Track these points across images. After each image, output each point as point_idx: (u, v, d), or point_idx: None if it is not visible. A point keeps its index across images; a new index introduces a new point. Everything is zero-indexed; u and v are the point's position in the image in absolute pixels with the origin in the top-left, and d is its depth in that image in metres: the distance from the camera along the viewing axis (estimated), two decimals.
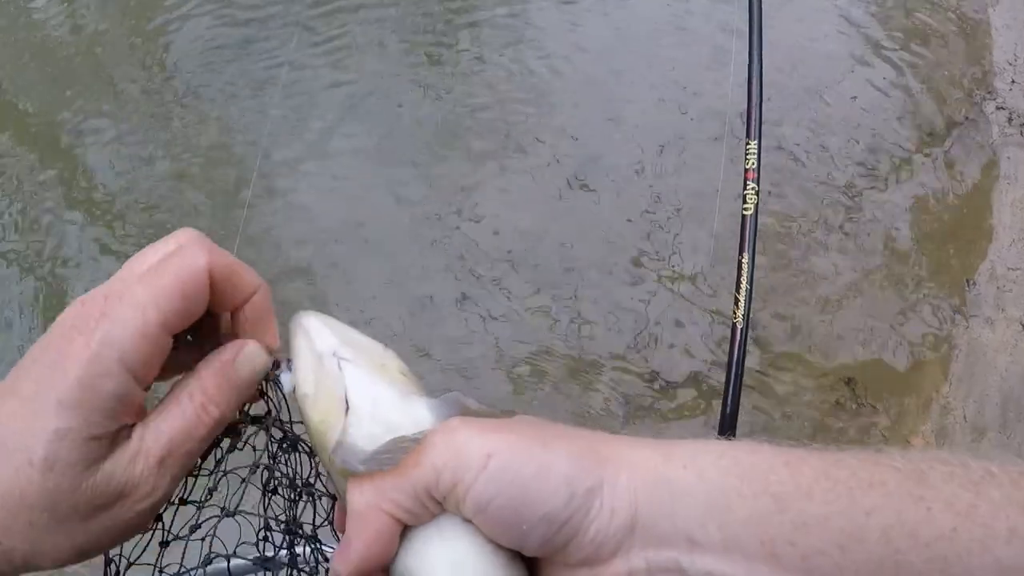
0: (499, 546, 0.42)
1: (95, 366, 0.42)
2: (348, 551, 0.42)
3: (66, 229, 2.58)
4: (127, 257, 0.47)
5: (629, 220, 2.54)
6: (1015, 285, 2.41)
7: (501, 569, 0.42)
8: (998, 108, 3.01)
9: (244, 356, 0.47)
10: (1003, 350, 2.33)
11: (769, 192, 2.53)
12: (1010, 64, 3.30)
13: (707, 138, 2.69)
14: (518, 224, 2.54)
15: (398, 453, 0.42)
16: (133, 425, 0.45)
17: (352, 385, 0.45)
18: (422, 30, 3.06)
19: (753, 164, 1.26)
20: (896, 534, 0.38)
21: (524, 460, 0.41)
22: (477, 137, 2.72)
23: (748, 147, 1.28)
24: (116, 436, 0.43)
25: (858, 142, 2.78)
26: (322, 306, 2.37)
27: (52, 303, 2.44)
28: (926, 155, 2.74)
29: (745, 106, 1.26)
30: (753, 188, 1.24)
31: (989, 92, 3.09)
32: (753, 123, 1.30)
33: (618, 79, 2.88)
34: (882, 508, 0.38)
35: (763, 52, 1.30)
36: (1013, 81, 3.20)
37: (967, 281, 2.39)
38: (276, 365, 0.49)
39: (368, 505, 0.42)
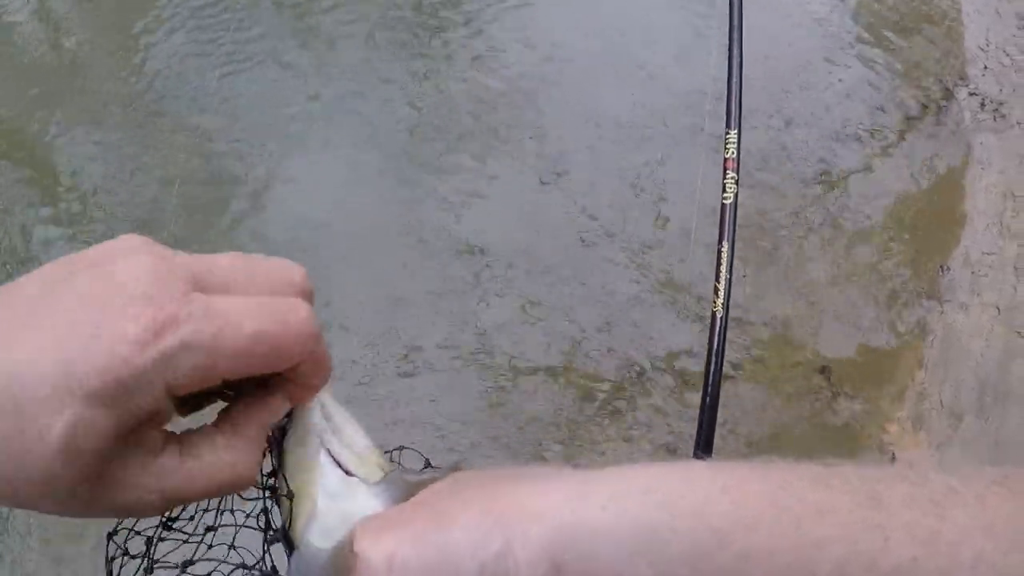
0: None
1: (145, 375, 0.37)
2: None
3: (39, 232, 2.52)
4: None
5: (609, 207, 2.53)
6: (990, 270, 2.42)
7: None
8: (970, 94, 3.02)
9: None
10: (978, 335, 2.34)
11: (737, 183, 2.51)
12: (982, 50, 3.31)
13: (686, 127, 2.68)
14: (502, 219, 2.52)
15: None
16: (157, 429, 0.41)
17: (321, 477, 0.46)
18: (403, 29, 3.03)
19: (733, 153, 1.25)
20: (851, 568, 0.34)
21: (424, 548, 0.39)
22: (455, 135, 2.69)
23: (728, 136, 1.26)
24: (139, 437, 0.39)
25: (829, 131, 2.77)
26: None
27: None
28: (898, 143, 2.74)
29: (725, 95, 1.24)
30: (733, 177, 1.23)
31: (961, 78, 3.10)
32: (732, 112, 1.29)
33: (598, 71, 2.85)
34: (834, 539, 0.35)
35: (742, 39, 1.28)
36: (985, 67, 3.21)
37: (941, 267, 2.39)
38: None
39: None
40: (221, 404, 0.47)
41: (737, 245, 1.20)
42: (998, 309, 2.37)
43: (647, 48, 2.93)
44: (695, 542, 0.36)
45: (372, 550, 0.40)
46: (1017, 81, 3.17)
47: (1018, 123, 2.95)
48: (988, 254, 2.44)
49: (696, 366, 2.22)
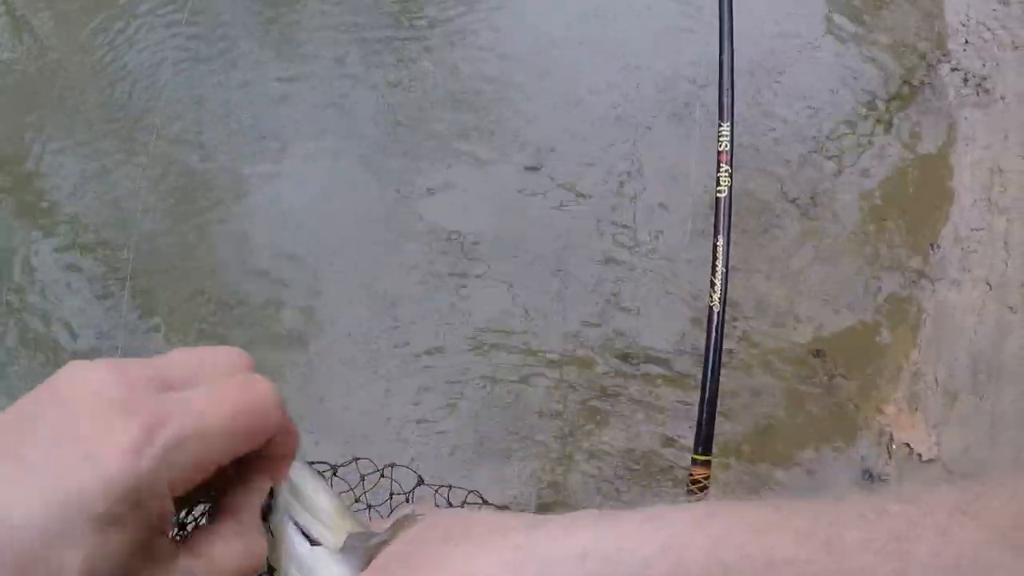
0: None
1: (149, 479, 0.36)
2: None
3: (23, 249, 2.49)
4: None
5: (599, 196, 2.51)
6: (979, 245, 2.42)
7: None
8: (952, 70, 3.01)
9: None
10: (971, 311, 2.34)
11: (731, 176, 2.50)
12: (963, 25, 3.30)
13: (672, 116, 2.66)
14: (487, 209, 2.50)
15: None
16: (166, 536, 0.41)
17: (291, 549, 0.50)
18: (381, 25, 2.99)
19: (726, 146, 1.24)
20: None
21: None
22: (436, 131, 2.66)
23: (720, 129, 1.26)
24: (151, 551, 0.39)
25: (812, 112, 2.76)
26: (292, 311, 2.32)
27: None
28: (882, 122, 2.73)
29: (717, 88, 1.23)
30: (726, 171, 1.22)
31: (944, 54, 3.09)
32: (725, 105, 1.28)
33: (582, 62, 2.83)
34: None
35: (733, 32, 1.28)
36: (966, 42, 3.20)
37: (931, 245, 2.39)
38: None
39: None
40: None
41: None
42: (989, 285, 2.37)
43: (635, 35, 2.91)
44: None
45: None
46: (999, 56, 3.16)
47: (1002, 97, 2.94)
48: (977, 230, 2.44)
49: (693, 360, 2.22)
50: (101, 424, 0.36)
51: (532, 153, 2.56)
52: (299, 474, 0.51)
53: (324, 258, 2.43)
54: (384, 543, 0.48)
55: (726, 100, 1.22)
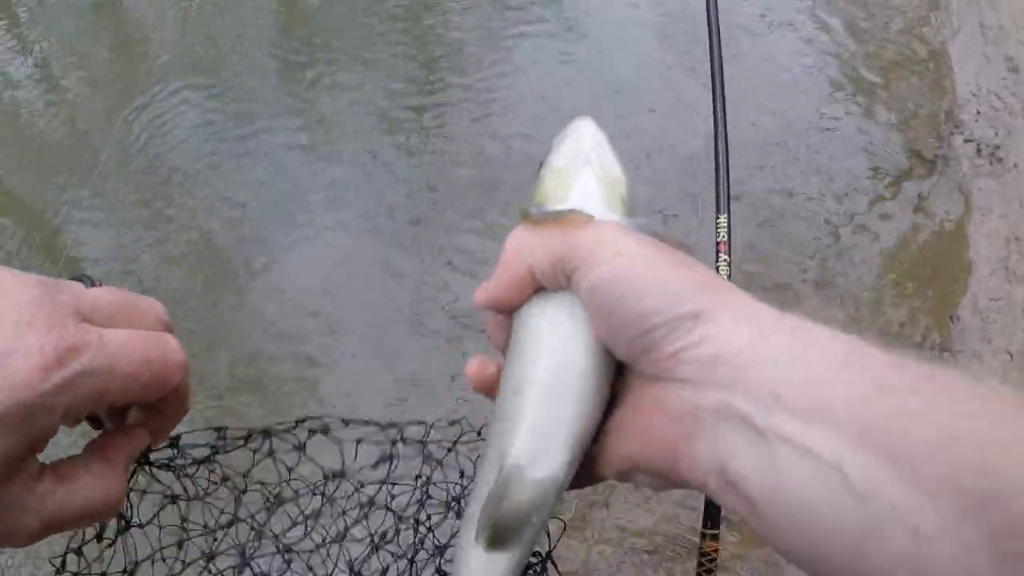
0: (595, 336, 0.46)
1: (48, 399, 0.38)
2: (488, 287, 0.48)
3: None
4: None
5: None
6: (999, 315, 2.44)
7: (588, 353, 0.46)
8: (966, 141, 3.07)
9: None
10: (993, 382, 2.36)
11: (730, 264, 2.56)
12: (973, 95, 3.37)
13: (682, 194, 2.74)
14: None
15: (564, 217, 0.47)
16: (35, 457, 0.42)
17: (580, 184, 0.51)
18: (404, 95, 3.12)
19: (724, 237, 1.29)
20: (990, 446, 0.33)
21: (645, 267, 0.43)
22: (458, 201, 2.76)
23: (719, 221, 1.30)
24: (24, 462, 0.40)
25: (829, 185, 2.83)
26: (313, 383, 2.38)
27: None
28: (898, 195, 2.79)
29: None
30: (725, 260, 1.27)
31: (956, 126, 3.15)
32: (721, 198, 1.33)
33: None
34: (980, 415, 0.35)
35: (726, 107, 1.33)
36: (978, 112, 3.27)
37: (951, 317, 2.42)
38: None
39: (515, 252, 0.47)
40: None
41: None
42: (1010, 355, 2.39)
43: (644, 111, 3.00)
44: (857, 389, 0.38)
45: (612, 239, 0.44)
46: (1011, 123, 3.22)
47: (1015, 166, 2.99)
48: (995, 300, 2.47)
49: None
50: (18, 336, 0.37)
51: None
52: (600, 139, 0.53)
53: (343, 328, 2.50)
54: (674, 242, 0.47)
55: (722, 192, 1.28)
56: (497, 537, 0.44)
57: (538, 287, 0.47)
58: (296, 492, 0.72)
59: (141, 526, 0.64)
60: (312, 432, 0.70)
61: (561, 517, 1.10)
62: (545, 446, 0.45)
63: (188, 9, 3.85)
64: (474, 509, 0.47)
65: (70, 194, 2.86)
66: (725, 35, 1.45)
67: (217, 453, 0.65)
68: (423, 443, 0.75)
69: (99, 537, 0.62)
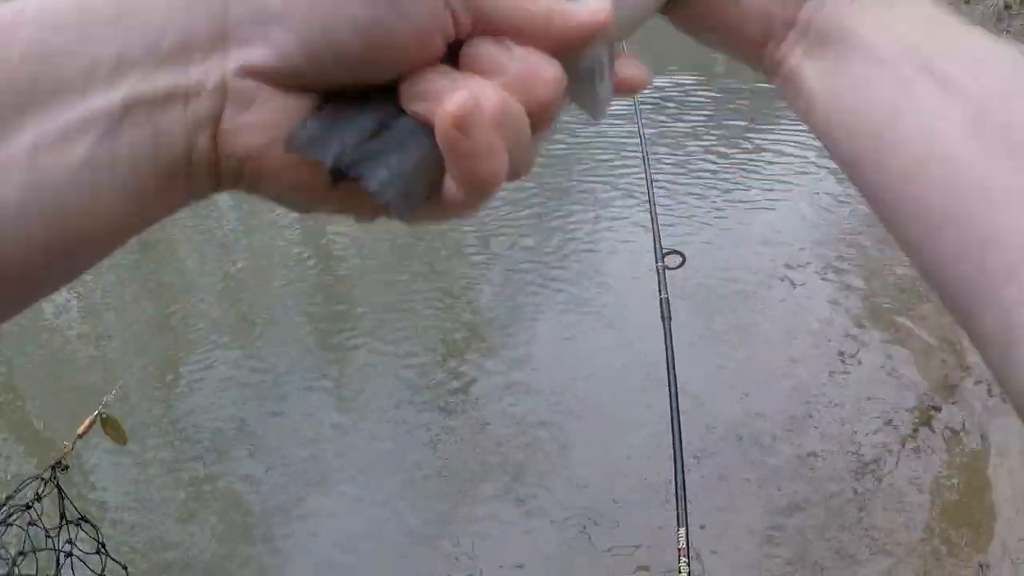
0: None
1: None
2: None
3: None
4: None
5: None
6: None
7: None
8: (976, 383, 3.26)
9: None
10: None
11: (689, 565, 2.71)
12: None
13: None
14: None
15: None
16: None
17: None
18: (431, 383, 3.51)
19: (683, 544, 1.54)
20: None
21: None
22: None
23: (679, 533, 1.57)
24: None
25: (849, 442, 3.02)
26: None
27: None
28: (915, 446, 2.96)
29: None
30: (685, 563, 1.51)
31: (965, 370, 3.36)
32: (680, 514, 1.60)
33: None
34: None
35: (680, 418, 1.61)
36: None
37: (980, 566, 2.51)
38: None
39: None
40: None
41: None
42: None
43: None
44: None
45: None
46: None
47: None
48: (1023, 539, 2.56)
49: None
50: None
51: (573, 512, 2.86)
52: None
53: None
54: None
55: (681, 508, 1.54)
56: None
57: None
58: None
59: None
60: None
61: None
62: None
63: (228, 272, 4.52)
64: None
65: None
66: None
67: None
68: None
69: None
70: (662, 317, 1.73)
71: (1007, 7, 8.33)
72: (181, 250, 5.54)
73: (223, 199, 6.17)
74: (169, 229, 5.90)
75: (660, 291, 1.80)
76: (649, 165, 2.42)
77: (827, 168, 5.98)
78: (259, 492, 3.06)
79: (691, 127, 7.11)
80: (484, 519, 2.86)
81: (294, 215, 5.66)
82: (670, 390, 1.82)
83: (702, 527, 2.65)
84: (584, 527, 2.79)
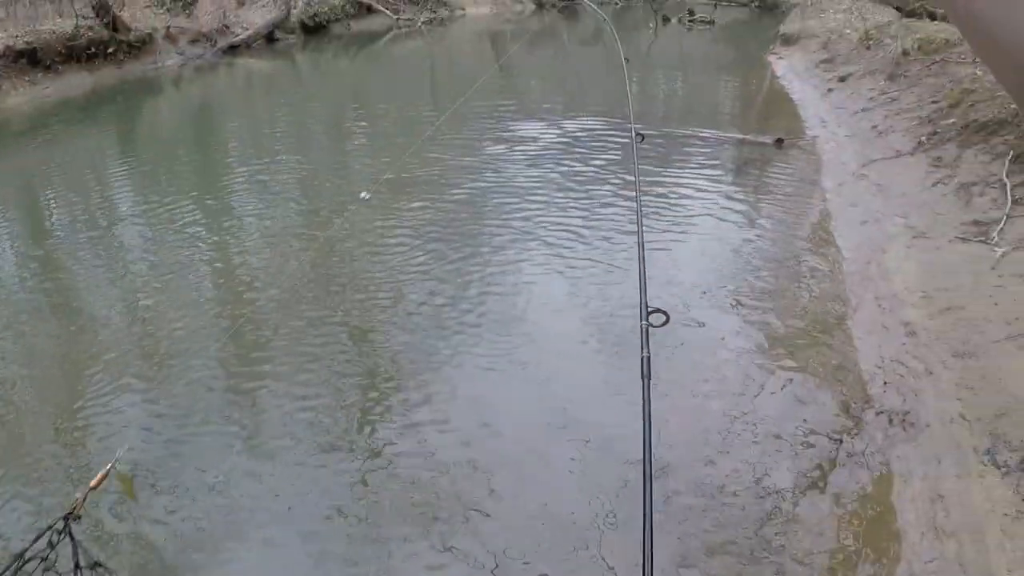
0: None
1: None
2: None
3: None
4: None
5: None
6: (936, 574, 2.69)
7: None
8: (877, 414, 3.47)
9: None
10: None
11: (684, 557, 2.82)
12: (879, 368, 3.82)
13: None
14: None
15: None
16: None
17: None
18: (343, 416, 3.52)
19: None
20: None
21: None
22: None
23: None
24: None
25: (757, 473, 3.16)
26: None
27: None
28: (821, 482, 3.13)
29: None
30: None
31: (866, 402, 3.56)
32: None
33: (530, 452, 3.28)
34: None
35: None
36: (885, 383, 3.70)
37: None
38: None
39: None
40: None
41: None
42: None
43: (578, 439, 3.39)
44: None
45: None
46: (917, 386, 3.63)
47: (927, 425, 3.36)
48: (930, 561, 2.73)
49: None
50: None
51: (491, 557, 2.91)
52: None
53: None
54: None
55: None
56: None
57: None
58: None
59: None
60: None
61: None
62: None
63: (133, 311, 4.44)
64: None
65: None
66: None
67: None
68: None
69: None
70: (642, 375, 1.76)
71: (905, 53, 8.90)
72: (84, 288, 5.43)
73: (130, 236, 6.09)
74: (72, 267, 5.78)
75: (643, 349, 1.82)
76: (642, 227, 2.45)
77: (733, 210, 6.28)
78: (166, 537, 3.03)
79: (595, 169, 7.35)
80: (402, 562, 2.89)
81: (201, 254, 5.63)
82: (645, 454, 1.89)
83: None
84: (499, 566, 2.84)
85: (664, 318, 1.99)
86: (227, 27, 17.47)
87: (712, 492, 3.12)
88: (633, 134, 3.19)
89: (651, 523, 1.82)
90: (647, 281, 2.02)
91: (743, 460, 3.28)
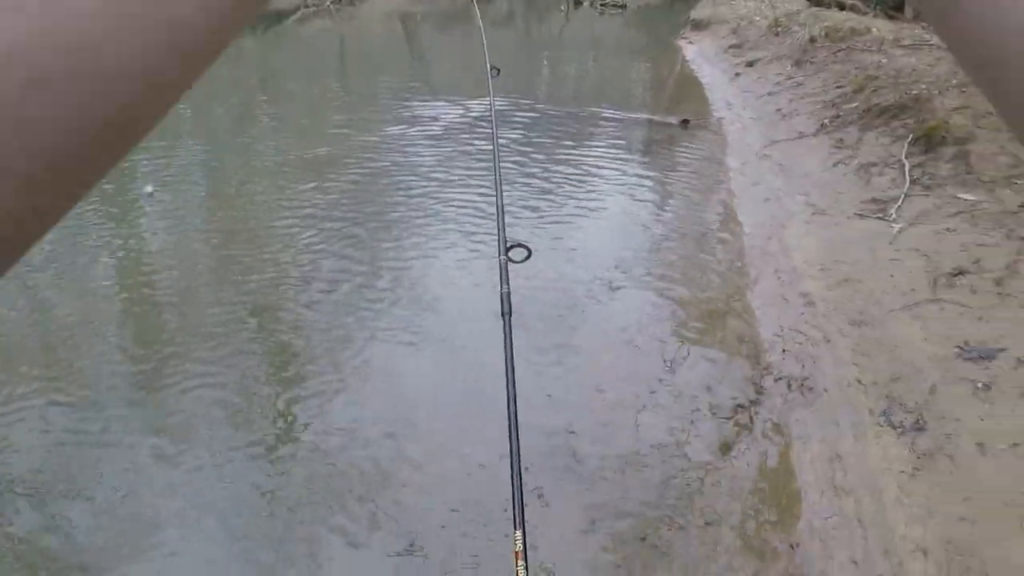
0: None
1: None
2: None
3: None
4: None
5: None
6: (835, 531, 2.76)
7: None
8: (776, 380, 3.54)
9: None
10: None
11: (527, 570, 2.82)
12: (778, 336, 3.90)
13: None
14: None
15: None
16: None
17: None
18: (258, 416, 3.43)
19: (520, 548, 1.59)
20: None
21: None
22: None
23: (516, 536, 1.62)
24: None
25: (667, 440, 3.20)
26: None
27: None
28: (726, 440, 3.18)
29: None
30: (523, 564, 1.56)
31: (766, 369, 3.64)
32: (517, 515, 1.65)
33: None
34: None
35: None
36: (784, 351, 3.78)
37: (791, 546, 2.72)
38: None
39: None
40: None
41: None
42: (855, 563, 2.68)
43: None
44: None
45: None
46: (815, 352, 3.72)
47: (825, 390, 3.45)
48: (829, 518, 2.79)
49: None
50: None
51: (398, 539, 2.88)
52: None
53: None
54: None
55: (517, 511, 1.59)
56: None
57: None
58: None
59: None
60: None
61: None
62: None
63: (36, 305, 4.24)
64: None
65: None
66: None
67: None
68: None
69: None
70: (502, 313, 1.73)
71: (812, 40, 9.12)
72: None
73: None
74: None
75: (501, 285, 1.78)
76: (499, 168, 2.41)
77: (639, 187, 6.34)
78: (81, 537, 2.88)
79: (504, 143, 7.32)
80: (324, 545, 2.82)
81: (101, 240, 5.40)
82: (508, 390, 1.88)
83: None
84: (418, 544, 2.80)
85: (526, 253, 1.92)
86: None
87: (618, 460, 3.13)
88: (489, 68, 3.17)
89: (519, 470, 1.78)
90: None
91: (647, 427, 3.30)
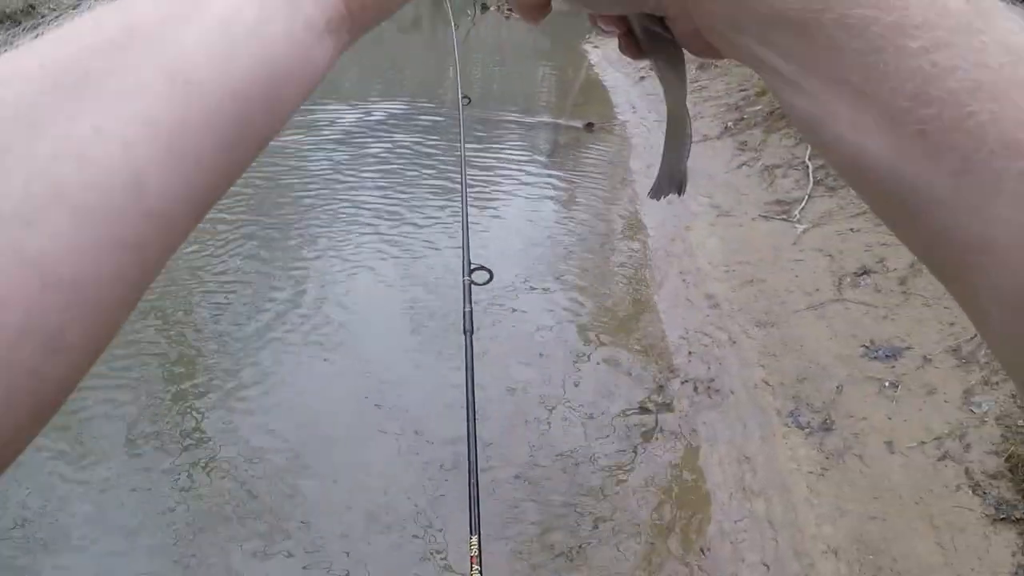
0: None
1: None
2: None
3: None
4: None
5: None
6: (746, 533, 2.73)
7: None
8: (683, 383, 3.52)
9: None
10: None
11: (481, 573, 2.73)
12: (683, 339, 3.89)
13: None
14: None
15: None
16: None
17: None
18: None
19: (476, 552, 1.54)
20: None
21: None
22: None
23: (471, 541, 1.56)
24: None
25: (564, 470, 3.12)
26: None
27: None
28: (635, 444, 3.13)
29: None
30: (477, 570, 1.51)
31: (672, 371, 3.61)
32: (473, 520, 1.60)
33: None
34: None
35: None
36: (690, 353, 3.76)
37: (702, 550, 2.69)
38: None
39: None
40: None
41: None
42: (766, 566, 2.66)
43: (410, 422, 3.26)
44: None
45: None
46: (720, 354, 3.72)
47: (731, 391, 3.44)
48: (740, 520, 2.77)
49: None
50: None
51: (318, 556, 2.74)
52: None
53: None
54: None
55: (474, 516, 1.53)
56: None
57: None
58: None
59: None
60: None
61: None
62: None
63: None
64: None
65: None
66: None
67: None
68: None
69: None
70: (464, 331, 1.75)
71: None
72: None
73: None
74: None
75: (465, 304, 1.80)
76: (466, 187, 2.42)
77: (544, 191, 6.29)
78: None
79: (407, 147, 7.20)
80: (245, 562, 2.66)
81: None
82: (468, 399, 1.80)
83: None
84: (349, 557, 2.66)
85: (488, 275, 1.97)
86: None
87: (530, 469, 3.05)
88: (460, 95, 3.13)
89: (476, 481, 1.72)
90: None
91: (557, 435, 3.23)
